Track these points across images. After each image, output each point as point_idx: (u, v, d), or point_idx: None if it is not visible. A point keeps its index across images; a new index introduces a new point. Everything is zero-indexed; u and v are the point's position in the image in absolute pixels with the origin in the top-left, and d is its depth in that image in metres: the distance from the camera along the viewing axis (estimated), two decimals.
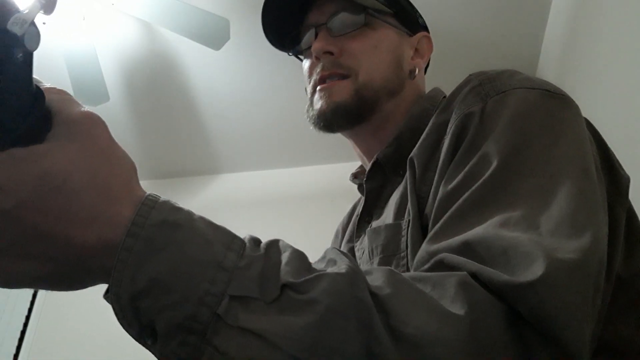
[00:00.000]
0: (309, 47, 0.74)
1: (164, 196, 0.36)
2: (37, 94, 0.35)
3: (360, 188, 0.79)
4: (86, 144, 0.34)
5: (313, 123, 0.72)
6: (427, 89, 0.75)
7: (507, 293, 0.35)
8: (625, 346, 0.51)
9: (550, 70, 2.03)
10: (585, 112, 0.56)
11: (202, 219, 0.36)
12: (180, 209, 0.35)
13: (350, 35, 0.71)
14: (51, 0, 0.35)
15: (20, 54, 0.32)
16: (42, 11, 0.34)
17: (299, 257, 0.36)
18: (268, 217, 2.47)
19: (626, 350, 0.51)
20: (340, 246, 0.81)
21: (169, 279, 0.32)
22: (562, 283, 0.35)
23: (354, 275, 0.34)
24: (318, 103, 0.70)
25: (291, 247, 0.37)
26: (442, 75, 0.75)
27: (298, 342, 0.30)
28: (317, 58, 0.71)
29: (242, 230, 0.38)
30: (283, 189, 2.62)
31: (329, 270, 0.35)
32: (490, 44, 2.08)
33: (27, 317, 2.29)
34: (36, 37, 0.33)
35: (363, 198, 0.73)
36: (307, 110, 0.73)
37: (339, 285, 0.33)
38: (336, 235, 0.88)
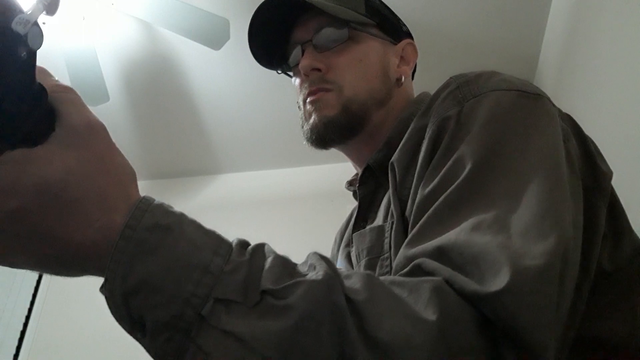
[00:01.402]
0: (297, 64, 0.75)
1: (164, 196, 0.37)
2: (40, 92, 0.36)
3: (355, 194, 0.80)
4: (86, 153, 0.36)
5: (307, 139, 0.74)
6: (426, 89, 0.75)
7: (475, 302, 0.37)
8: (618, 341, 0.51)
9: (550, 70, 2.03)
10: (585, 112, 0.57)
11: (193, 222, 0.37)
12: (172, 213, 0.37)
13: (336, 50, 0.73)
14: (54, 1, 0.36)
15: (24, 53, 0.33)
16: (44, 12, 0.36)
17: (282, 262, 0.37)
18: (268, 217, 2.47)
19: (619, 345, 0.51)
20: (337, 252, 0.83)
21: (159, 280, 0.34)
22: (526, 291, 0.37)
23: (330, 281, 0.35)
24: (311, 118, 0.72)
25: (274, 252, 0.39)
26: (441, 75, 0.75)
27: (274, 345, 0.32)
28: (306, 75, 0.72)
29: (243, 230, 0.38)
30: (283, 189, 2.62)
31: (308, 275, 0.36)
32: (490, 44, 2.08)
33: (27, 317, 2.29)
34: (39, 36, 0.34)
35: (357, 204, 0.74)
36: (302, 126, 0.75)
37: (314, 292, 0.34)
38: (335, 242, 0.89)
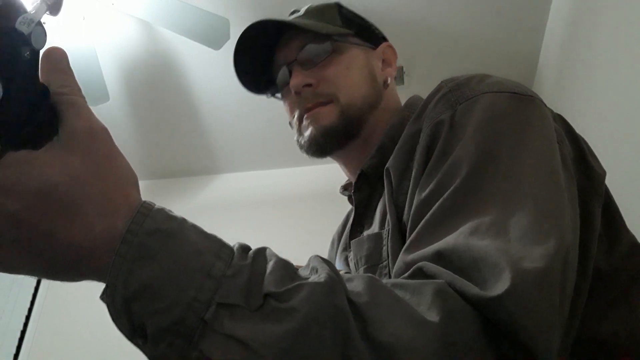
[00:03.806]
0: (285, 85, 0.77)
1: (164, 196, 0.36)
2: (43, 92, 0.36)
3: (350, 199, 0.81)
4: (89, 157, 0.36)
5: (305, 150, 0.74)
6: (426, 90, 0.76)
7: (477, 305, 0.37)
8: (619, 341, 0.52)
9: (550, 70, 2.03)
10: (585, 112, 0.57)
11: (194, 227, 0.37)
12: (173, 218, 0.36)
13: (322, 64, 0.74)
14: (57, 1, 0.36)
15: (27, 53, 0.33)
16: (48, 12, 0.36)
17: (283, 266, 0.37)
18: (268, 217, 2.47)
19: (619, 345, 0.51)
20: (335, 255, 0.83)
21: (160, 285, 0.34)
22: (528, 294, 0.37)
23: (333, 283, 0.35)
24: (307, 130, 0.73)
25: (276, 256, 0.38)
26: (442, 75, 0.75)
27: (277, 348, 0.32)
28: (298, 93, 0.73)
29: (242, 230, 0.38)
30: (283, 189, 2.62)
31: (310, 278, 0.36)
32: (490, 45, 2.08)
33: (27, 317, 2.29)
34: (42, 36, 0.34)
35: (353, 209, 0.75)
36: (297, 140, 0.75)
37: (317, 295, 0.34)
38: (332, 244, 0.90)
